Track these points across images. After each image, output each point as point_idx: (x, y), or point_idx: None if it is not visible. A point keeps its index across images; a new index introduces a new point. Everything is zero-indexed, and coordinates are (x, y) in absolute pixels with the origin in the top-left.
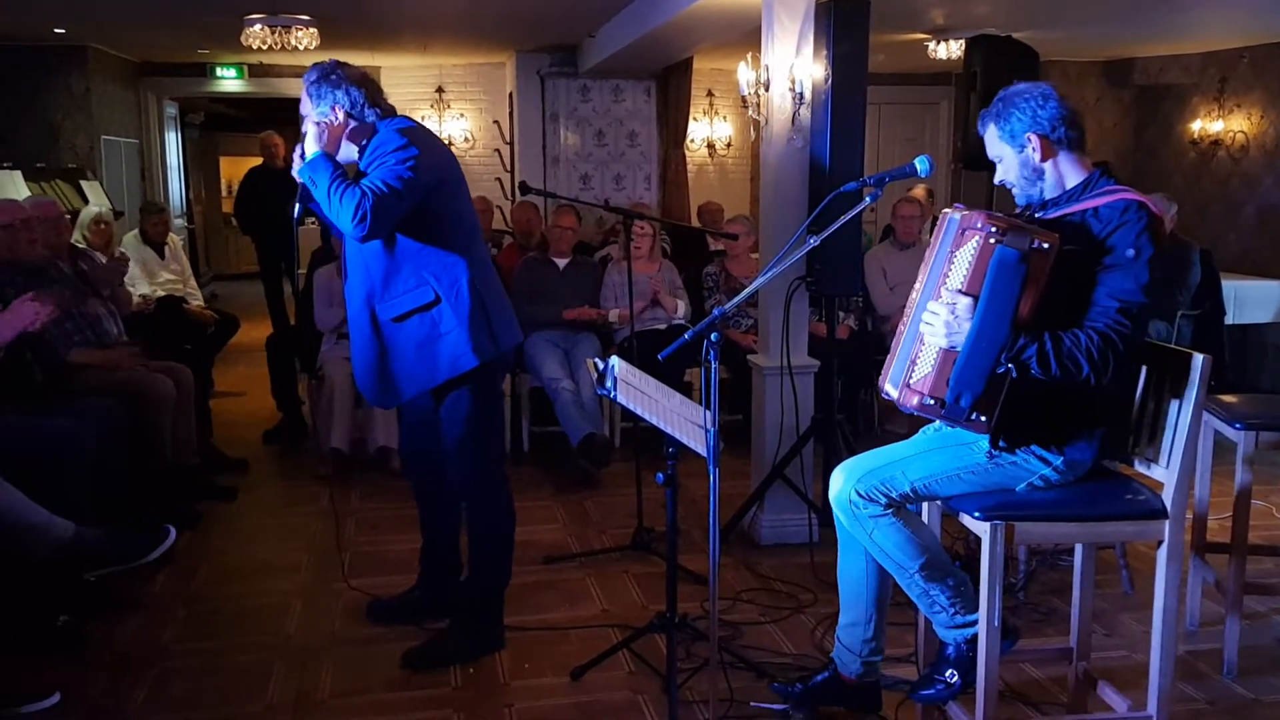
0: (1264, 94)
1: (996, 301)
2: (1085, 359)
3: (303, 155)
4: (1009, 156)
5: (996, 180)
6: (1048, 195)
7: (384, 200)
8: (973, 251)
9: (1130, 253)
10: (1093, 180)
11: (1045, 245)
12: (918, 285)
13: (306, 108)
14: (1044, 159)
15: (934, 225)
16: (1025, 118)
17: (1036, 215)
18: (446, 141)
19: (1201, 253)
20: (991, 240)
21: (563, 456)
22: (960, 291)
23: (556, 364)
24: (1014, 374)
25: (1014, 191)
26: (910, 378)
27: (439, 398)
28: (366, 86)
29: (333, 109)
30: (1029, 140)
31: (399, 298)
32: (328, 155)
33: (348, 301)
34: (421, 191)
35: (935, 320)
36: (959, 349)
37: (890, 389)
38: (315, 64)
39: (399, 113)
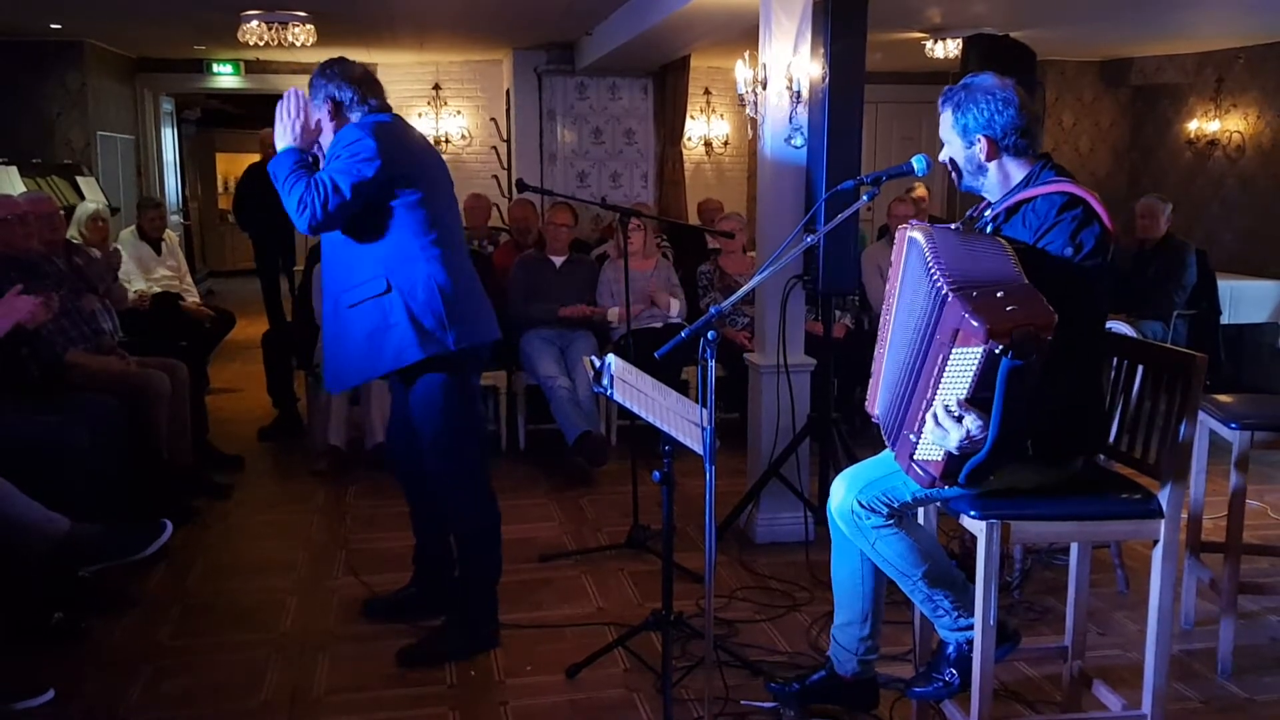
0: (1260, 94)
1: (1012, 408)
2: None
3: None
4: (956, 146)
5: (941, 158)
6: (990, 193)
7: (326, 193)
8: (975, 364)
9: (1069, 251)
10: (1034, 173)
11: (1049, 337)
12: (889, 306)
13: (311, 100)
14: (988, 159)
15: None
16: (981, 119)
17: (987, 215)
18: (443, 138)
19: (1197, 252)
20: (996, 352)
21: (559, 454)
22: (966, 403)
23: (553, 362)
24: (1030, 452)
25: (954, 175)
26: (914, 453)
27: (410, 394)
28: (360, 84)
29: (325, 101)
30: (978, 140)
31: (356, 286)
32: (296, 150)
33: (323, 287)
34: (375, 185)
35: (947, 439)
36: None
37: (878, 413)
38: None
39: (392, 109)
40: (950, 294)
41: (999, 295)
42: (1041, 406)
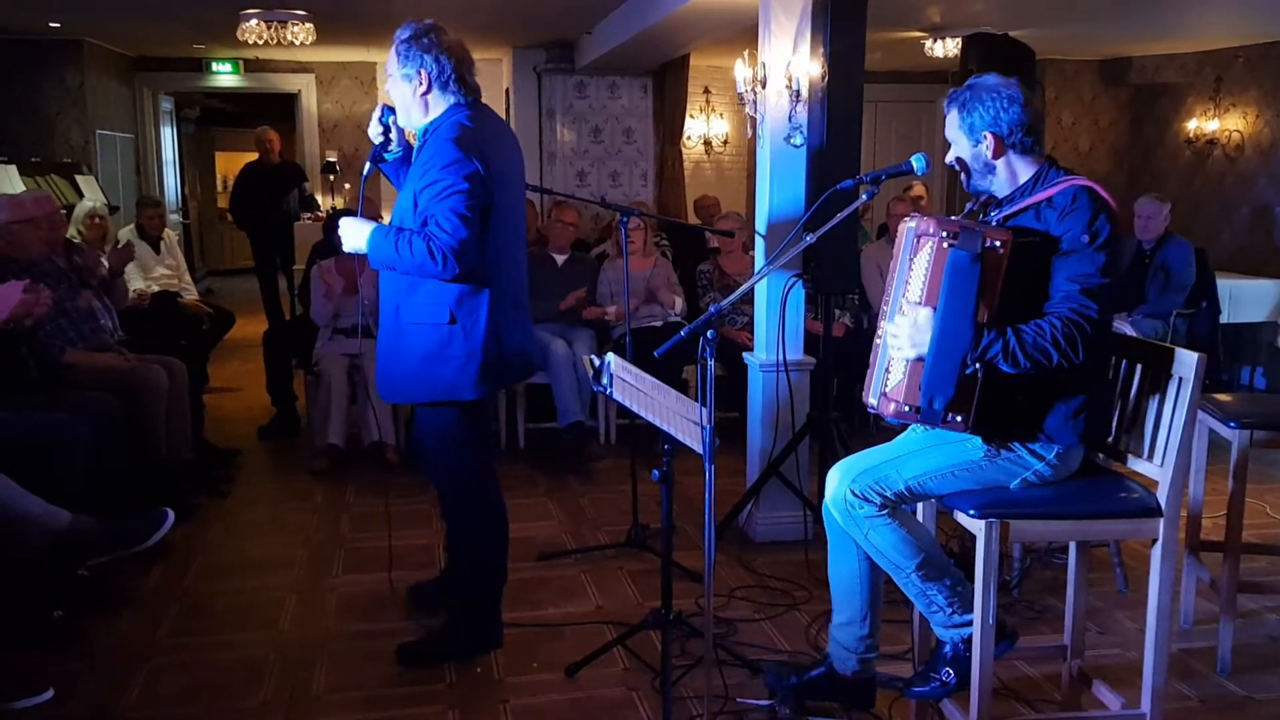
0: (1259, 93)
1: (954, 305)
2: (1053, 347)
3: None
4: (964, 145)
5: (948, 160)
6: (999, 191)
7: (454, 228)
8: (927, 259)
9: (1085, 238)
10: (1043, 172)
11: (998, 244)
12: (886, 296)
13: (391, 65)
14: (995, 157)
15: None
16: (987, 116)
17: (991, 214)
18: None
19: (1196, 252)
20: (944, 245)
21: (559, 453)
22: (918, 304)
23: (556, 338)
24: (980, 373)
25: (962, 177)
26: (886, 386)
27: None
28: (458, 59)
29: (419, 73)
30: (984, 138)
31: (419, 307)
32: (373, 226)
33: (380, 289)
34: (487, 206)
35: (899, 334)
36: (925, 357)
37: (871, 400)
38: (410, 22)
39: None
40: (915, 222)
41: (965, 220)
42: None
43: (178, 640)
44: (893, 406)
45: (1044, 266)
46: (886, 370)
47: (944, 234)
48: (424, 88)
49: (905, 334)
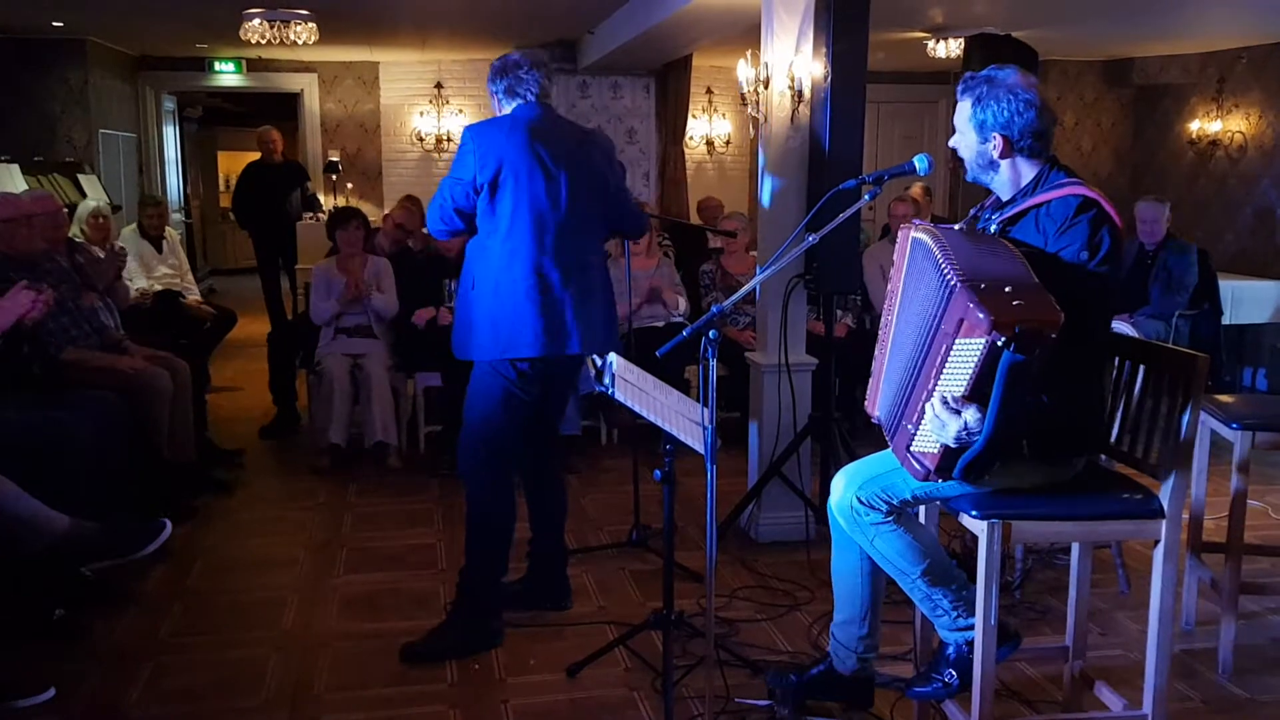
0: (1262, 94)
1: (1009, 407)
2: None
3: None
4: (970, 139)
5: (950, 144)
6: (998, 187)
7: (439, 201)
8: (977, 354)
9: (1085, 254)
10: (1043, 174)
11: (1054, 335)
12: (891, 305)
13: None
14: (1001, 157)
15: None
16: (1001, 117)
17: (993, 216)
18: (445, 137)
19: (1199, 253)
20: (999, 344)
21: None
22: (964, 398)
23: None
24: (1026, 451)
25: (964, 162)
26: (911, 444)
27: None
28: (509, 77)
29: (493, 96)
30: (993, 137)
31: (464, 275)
32: None
33: None
34: (474, 187)
35: (944, 431)
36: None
37: (877, 413)
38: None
39: (538, 99)
40: (959, 284)
41: (1006, 290)
42: (1042, 406)
43: (180, 639)
44: (921, 470)
45: (1050, 282)
46: (913, 422)
47: (1000, 339)
48: (496, 103)
49: (953, 432)
